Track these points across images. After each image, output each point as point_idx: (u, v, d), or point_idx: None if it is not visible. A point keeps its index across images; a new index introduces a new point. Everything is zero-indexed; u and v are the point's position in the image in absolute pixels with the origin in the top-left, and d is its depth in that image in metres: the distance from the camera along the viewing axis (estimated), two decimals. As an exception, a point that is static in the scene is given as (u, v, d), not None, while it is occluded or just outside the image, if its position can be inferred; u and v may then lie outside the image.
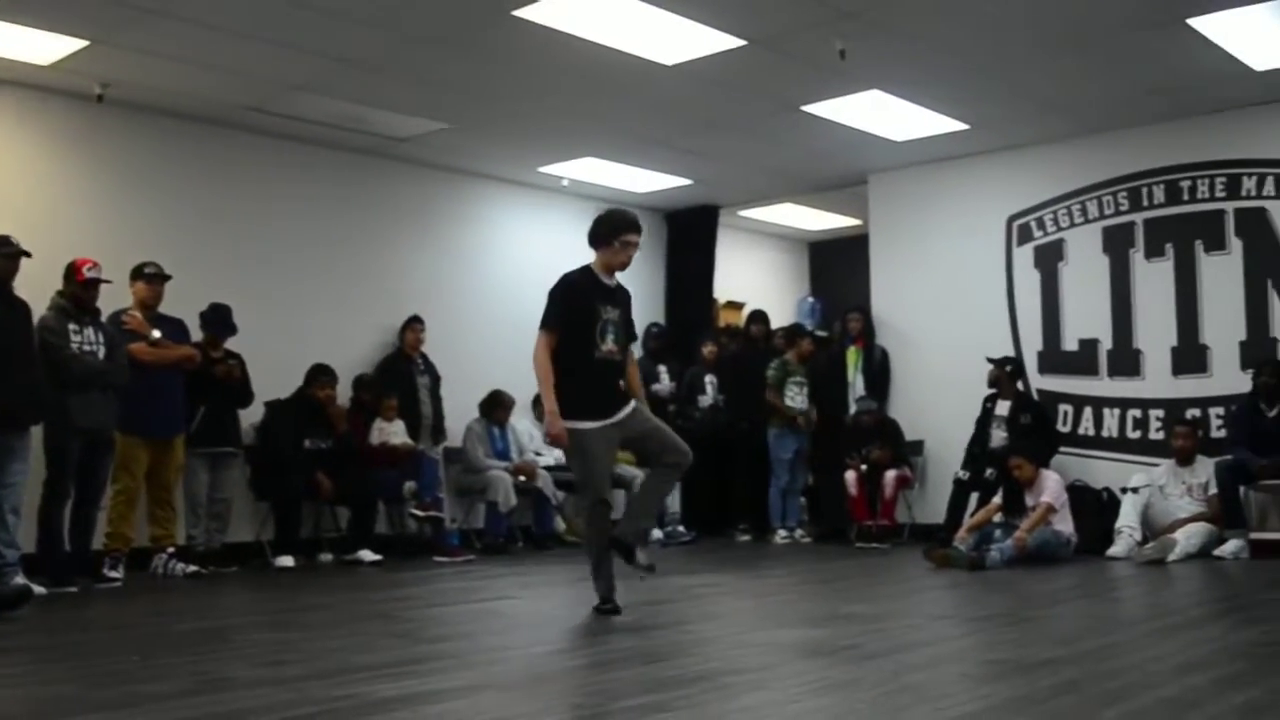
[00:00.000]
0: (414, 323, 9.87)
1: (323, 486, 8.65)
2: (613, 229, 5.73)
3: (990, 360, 9.81)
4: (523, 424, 10.55)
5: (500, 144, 9.96)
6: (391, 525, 9.49)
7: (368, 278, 10.03)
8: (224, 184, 9.26)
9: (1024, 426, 9.52)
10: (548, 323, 5.68)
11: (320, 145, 9.72)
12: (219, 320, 8.34)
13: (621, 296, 5.86)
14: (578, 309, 5.65)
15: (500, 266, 11.00)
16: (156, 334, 7.67)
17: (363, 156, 10.02)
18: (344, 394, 9.31)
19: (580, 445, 5.58)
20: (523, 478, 9.92)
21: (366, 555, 8.63)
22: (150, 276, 7.78)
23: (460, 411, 10.07)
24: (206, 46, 7.62)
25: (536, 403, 5.58)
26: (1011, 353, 10.15)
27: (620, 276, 5.94)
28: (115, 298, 7.64)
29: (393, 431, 9.32)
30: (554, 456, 10.67)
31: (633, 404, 5.73)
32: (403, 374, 9.71)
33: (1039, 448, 8.99)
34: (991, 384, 9.80)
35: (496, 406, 10.12)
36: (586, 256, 5.85)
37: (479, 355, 10.54)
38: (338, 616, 5.93)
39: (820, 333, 11.85)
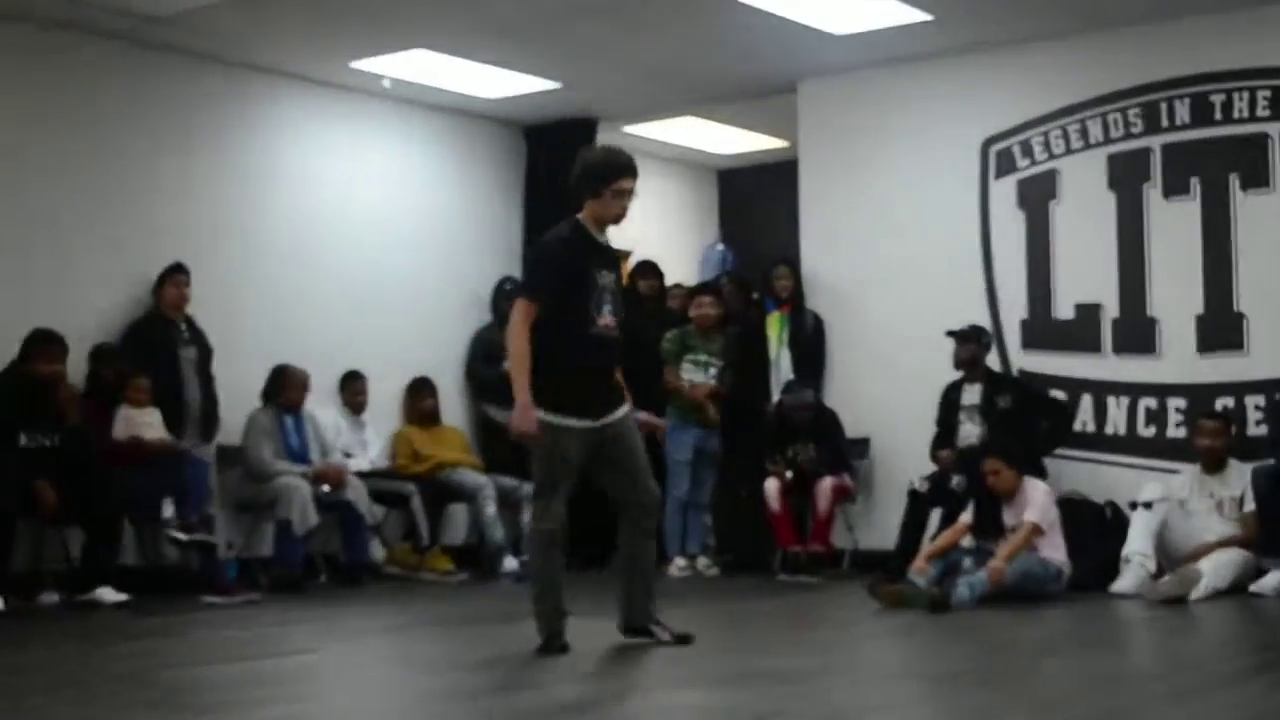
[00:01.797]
0: (175, 273, 9.71)
1: (45, 499, 8.46)
2: (601, 175, 6.19)
3: (952, 334, 9.91)
4: (327, 414, 10.47)
5: (298, 28, 9.83)
6: (143, 553, 9.34)
7: (112, 210, 9.84)
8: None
9: (1003, 413, 9.64)
10: (533, 291, 6.24)
11: (47, 25, 9.49)
12: None
13: (614, 257, 6.41)
14: (569, 273, 6.17)
15: (297, 196, 10.88)
16: None
17: (106, 42, 9.81)
18: (77, 371, 9.13)
19: (553, 443, 6.11)
20: (326, 487, 9.83)
21: (107, 595, 8.48)
22: None
23: (240, 397, 9.95)
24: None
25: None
26: (986, 320, 10.29)
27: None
28: None
29: (145, 423, 9.17)
30: (369, 459, 10.61)
31: (625, 407, 6.30)
32: (160, 344, 9.56)
33: (1023, 447, 9.11)
34: (960, 365, 9.91)
35: (284, 385, 10.00)
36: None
37: (265, 319, 10.43)
38: (67, 678, 5.80)
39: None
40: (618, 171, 6.19)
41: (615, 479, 6.36)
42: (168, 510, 9.08)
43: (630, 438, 6.34)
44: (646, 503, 6.40)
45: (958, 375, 9.99)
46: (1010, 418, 9.60)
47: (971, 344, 9.89)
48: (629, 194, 6.22)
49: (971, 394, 9.85)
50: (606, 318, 6.24)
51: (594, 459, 6.28)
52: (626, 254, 12.91)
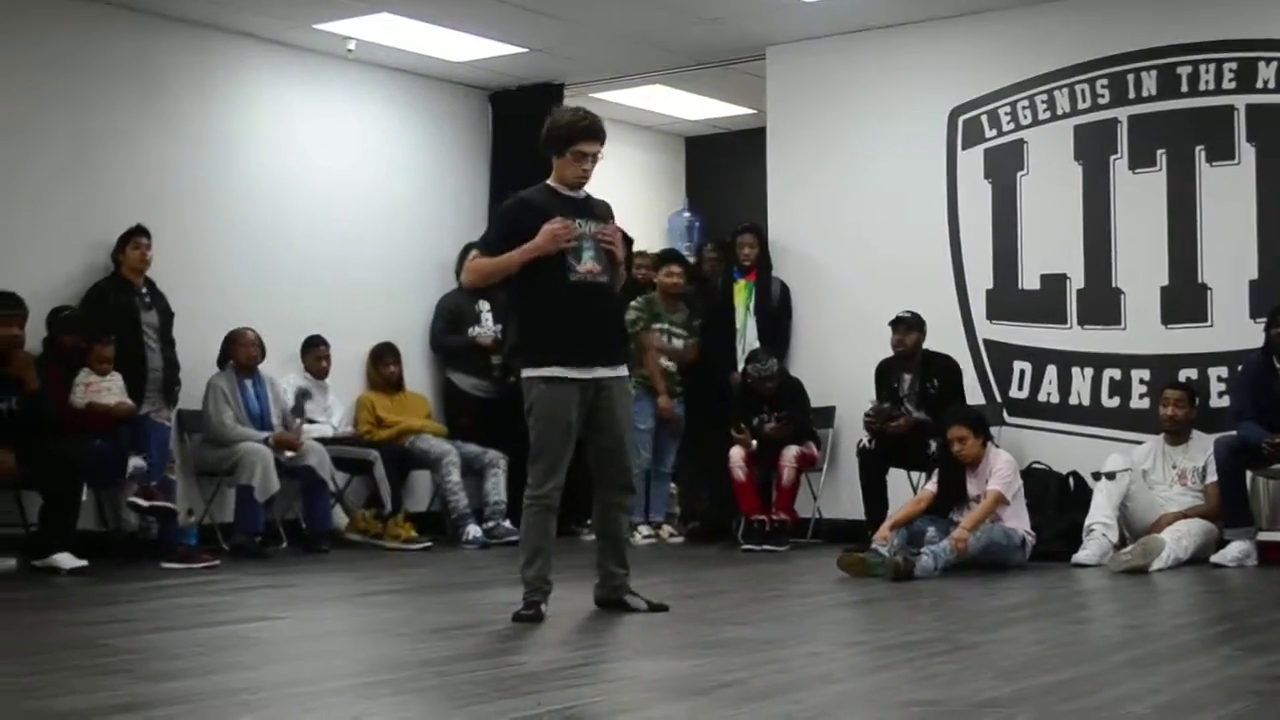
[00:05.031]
0: (137, 236, 9.63)
1: (2, 463, 8.43)
2: (564, 136, 6.32)
3: (901, 320, 9.82)
4: (288, 378, 10.42)
5: (261, -11, 9.78)
6: (102, 519, 9.30)
7: (71, 172, 9.76)
8: None
9: (935, 397, 9.60)
10: (485, 244, 6.51)
11: (3, -16, 9.42)
12: None
13: (600, 209, 6.51)
14: (536, 226, 6.24)
15: (259, 159, 10.82)
16: None
17: (66, 1, 9.73)
18: (35, 334, 9.06)
19: (539, 401, 6.25)
20: (289, 453, 9.80)
21: (65, 560, 8.42)
22: None
23: (201, 361, 9.93)
24: None
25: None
26: (951, 290, 10.36)
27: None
28: None
29: (105, 388, 9.11)
30: (332, 425, 10.57)
31: (622, 371, 6.42)
32: (121, 308, 9.49)
33: (983, 416, 9.11)
34: (901, 353, 9.84)
35: (236, 345, 9.96)
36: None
37: (227, 283, 10.38)
38: (23, 644, 5.81)
39: (692, 259, 11.90)
40: (580, 134, 6.29)
41: (598, 449, 6.46)
42: (133, 466, 9.03)
43: (620, 409, 6.44)
44: (622, 482, 6.53)
45: (888, 358, 9.94)
46: (942, 400, 9.53)
47: (915, 331, 9.81)
48: (590, 157, 6.33)
49: (907, 381, 9.81)
50: (588, 264, 6.31)
51: (585, 420, 6.37)
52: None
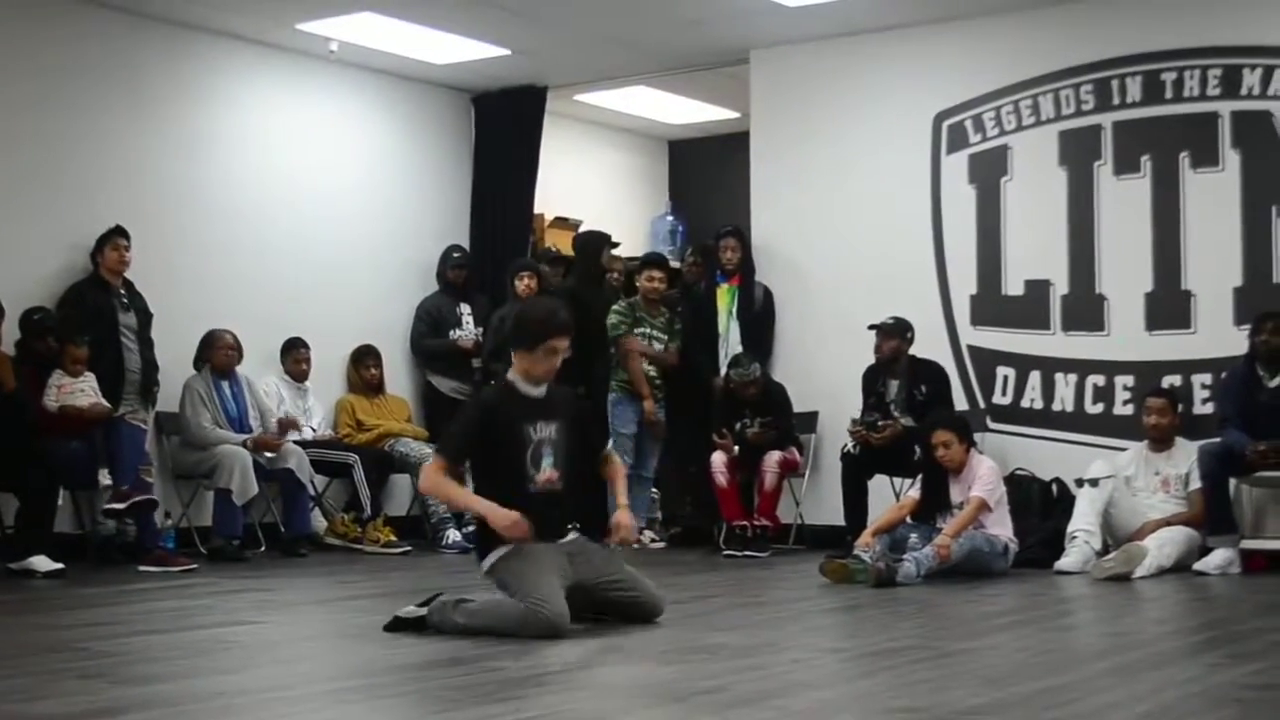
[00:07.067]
0: (116, 237, 9.62)
1: (-20, 465, 8.42)
2: (538, 333, 6.17)
3: (875, 327, 9.84)
4: (269, 382, 10.41)
5: (242, -11, 9.77)
6: (79, 521, 9.29)
7: (50, 172, 9.75)
8: None
9: (923, 403, 9.61)
10: (443, 450, 6.37)
11: (-19, -18, 9.40)
12: None
13: (562, 403, 6.36)
14: (496, 434, 6.14)
15: (240, 160, 10.81)
16: None
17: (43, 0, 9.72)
18: (9, 337, 9.04)
19: (519, 552, 5.98)
20: (267, 455, 9.78)
21: (42, 563, 8.41)
22: None
23: (180, 363, 9.93)
24: None
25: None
26: (935, 295, 10.39)
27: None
28: None
29: (79, 389, 9.07)
30: (311, 426, 10.55)
31: (573, 535, 6.24)
32: (98, 309, 9.48)
33: (967, 422, 9.12)
34: (883, 359, 9.86)
35: (212, 348, 9.96)
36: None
37: (206, 284, 10.38)
38: (-2, 648, 5.79)
39: (674, 263, 11.91)
40: (555, 330, 6.14)
41: (617, 601, 6.22)
42: (105, 479, 9.04)
43: (599, 554, 6.26)
44: (654, 609, 6.29)
45: (870, 365, 9.96)
46: (931, 406, 9.54)
47: (895, 339, 9.80)
48: (559, 353, 6.19)
49: (893, 388, 9.82)
50: (547, 472, 6.16)
51: (585, 584, 6.12)
52: (576, 223, 12.90)
